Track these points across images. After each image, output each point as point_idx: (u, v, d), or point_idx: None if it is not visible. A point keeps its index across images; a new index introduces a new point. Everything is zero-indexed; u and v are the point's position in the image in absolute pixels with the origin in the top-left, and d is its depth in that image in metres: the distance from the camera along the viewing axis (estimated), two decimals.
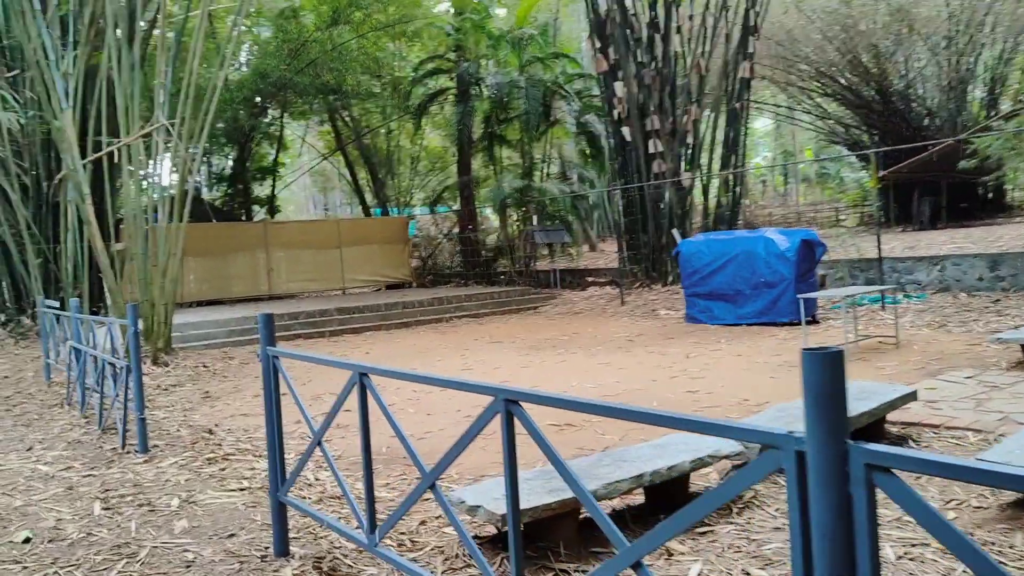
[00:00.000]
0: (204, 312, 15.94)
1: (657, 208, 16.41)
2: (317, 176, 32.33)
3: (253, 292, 19.30)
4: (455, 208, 22.60)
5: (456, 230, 22.08)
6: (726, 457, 4.07)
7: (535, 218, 17.73)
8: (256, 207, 25.33)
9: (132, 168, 10.71)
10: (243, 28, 18.10)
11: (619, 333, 12.20)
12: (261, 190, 26.17)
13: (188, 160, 11.05)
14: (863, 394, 5.00)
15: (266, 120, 23.12)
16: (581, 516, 3.58)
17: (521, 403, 2.04)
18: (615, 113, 16.68)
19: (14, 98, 11.15)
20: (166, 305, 10.76)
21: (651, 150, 16.31)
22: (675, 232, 16.18)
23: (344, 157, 23.64)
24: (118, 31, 10.45)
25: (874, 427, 4.88)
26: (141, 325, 10.21)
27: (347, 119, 23.22)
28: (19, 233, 14.75)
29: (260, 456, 5.47)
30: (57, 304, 10.16)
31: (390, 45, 21.48)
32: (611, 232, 26.32)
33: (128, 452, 5.64)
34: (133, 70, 10.57)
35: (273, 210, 25.51)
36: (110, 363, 6.14)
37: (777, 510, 3.88)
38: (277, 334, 12.52)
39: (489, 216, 22.29)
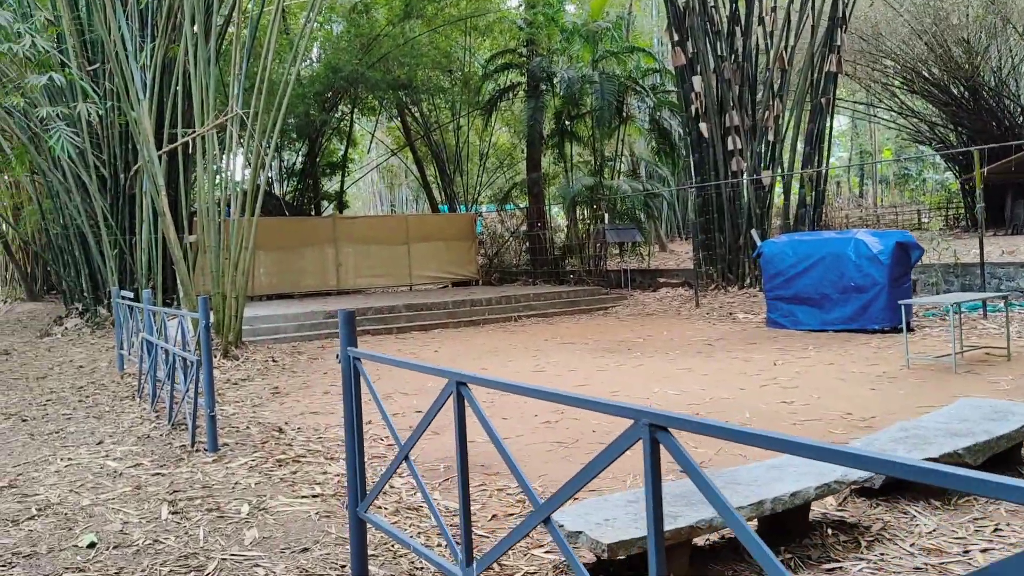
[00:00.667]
0: (273, 306, 15.96)
1: (735, 207, 15.78)
2: (384, 172, 32.42)
3: (321, 287, 19.32)
4: (523, 206, 22.25)
5: (523, 228, 21.75)
6: (852, 483, 3.61)
7: (606, 216, 17.26)
8: (324, 202, 25.48)
9: (206, 160, 10.67)
10: (315, 23, 18.13)
11: (696, 337, 11.68)
12: (330, 185, 26.33)
13: (261, 153, 10.96)
14: (997, 414, 4.46)
15: (336, 116, 23.19)
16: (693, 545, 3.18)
17: (671, 430, 1.66)
18: (692, 108, 16.11)
19: (93, 89, 11.23)
20: (237, 298, 10.69)
21: (729, 147, 15.70)
22: (754, 233, 15.53)
23: (412, 153, 23.53)
24: (195, 26, 10.42)
25: (1011, 453, 4.34)
26: (212, 318, 10.16)
27: (416, 115, 23.10)
28: (96, 224, 15.00)
29: (332, 459, 5.21)
30: (131, 295, 10.18)
31: (460, 40, 21.27)
32: (681, 232, 25.65)
33: (197, 450, 5.44)
34: (209, 64, 10.54)
35: (342, 205, 25.61)
36: (181, 357, 5.97)
37: (912, 545, 3.41)
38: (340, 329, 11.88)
39: (557, 214, 21.88)
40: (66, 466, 5.19)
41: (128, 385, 8.44)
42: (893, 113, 29.48)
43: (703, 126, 15.92)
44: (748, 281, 15.64)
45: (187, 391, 5.73)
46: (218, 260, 10.67)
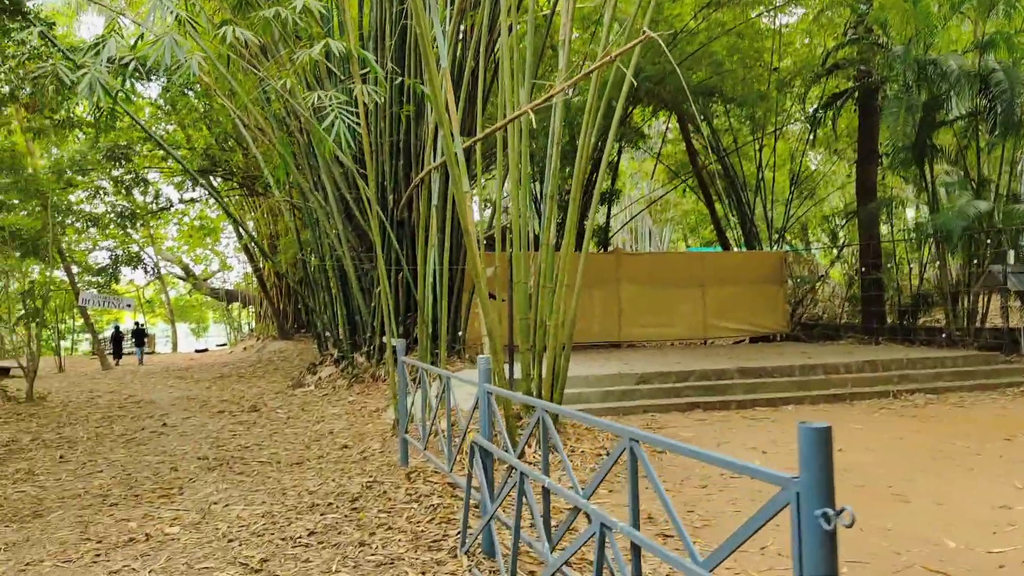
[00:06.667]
0: None
1: None
2: (654, 207, 28.80)
3: (602, 337, 15.90)
4: (844, 243, 17.63)
5: (833, 269, 17.10)
6: None
7: (1012, 254, 12.32)
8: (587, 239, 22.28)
9: (520, 163, 7.46)
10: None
11: None
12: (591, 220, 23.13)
13: (588, 151, 7.62)
14: None
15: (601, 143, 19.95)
16: None
17: None
18: None
19: (377, 63, 8.47)
20: (558, 357, 7.30)
21: None
22: None
23: (699, 180, 19.70)
24: None
25: None
26: (520, 382, 6.82)
27: (706, 134, 19.29)
28: (358, 256, 12.54)
29: None
30: (401, 343, 7.07)
31: (769, 42, 17.25)
32: None
33: None
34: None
35: (607, 243, 22.29)
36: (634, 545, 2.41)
37: None
38: (661, 400, 8.06)
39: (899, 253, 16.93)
40: None
41: (426, 507, 5.14)
42: None
43: None
44: None
45: None
46: (531, 302, 7.40)
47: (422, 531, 4.57)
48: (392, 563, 4.04)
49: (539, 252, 7.71)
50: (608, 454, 7.22)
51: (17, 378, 15.47)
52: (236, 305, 36.21)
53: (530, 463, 6.54)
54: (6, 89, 12.72)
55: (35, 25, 7.53)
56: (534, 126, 6.52)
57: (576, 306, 7.55)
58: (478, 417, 4.77)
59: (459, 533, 4.38)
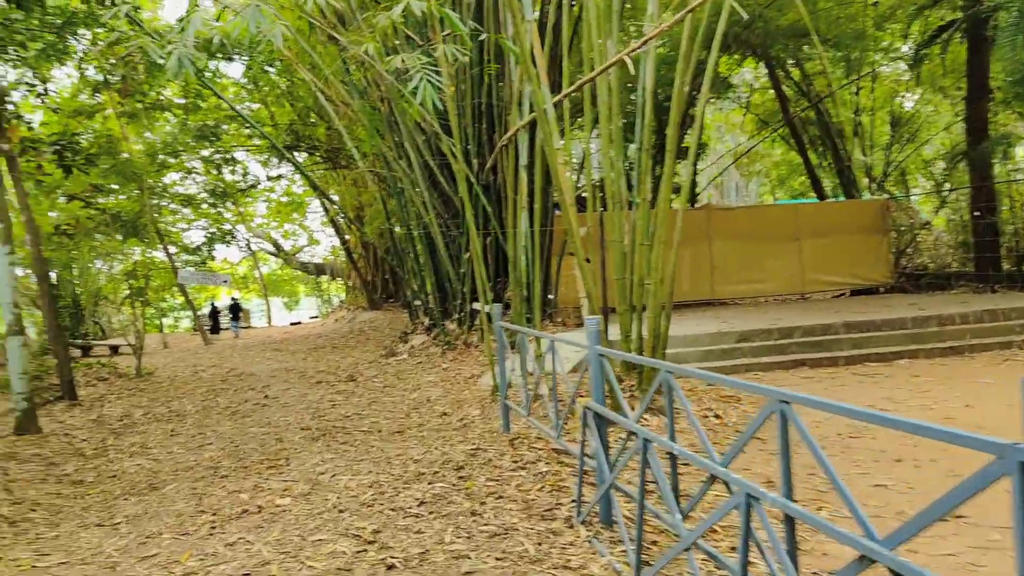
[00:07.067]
0: None
1: None
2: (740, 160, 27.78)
3: (694, 296, 15.45)
4: (951, 187, 16.55)
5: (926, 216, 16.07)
6: None
7: None
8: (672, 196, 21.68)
9: (611, 114, 7.18)
10: None
11: None
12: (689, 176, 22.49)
13: (682, 98, 7.28)
14: None
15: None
16: None
17: None
18: None
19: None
20: (658, 316, 7.03)
21: None
22: None
23: (791, 128, 18.81)
24: None
25: None
26: (615, 338, 6.58)
27: (796, 79, 18.35)
28: (445, 223, 12.47)
29: None
30: (497, 308, 6.92)
31: None
32: None
33: None
34: None
35: (693, 199, 21.63)
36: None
37: None
38: (764, 358, 7.64)
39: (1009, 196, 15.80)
40: None
41: (534, 475, 4.99)
42: None
43: None
44: None
45: None
46: (626, 261, 7.14)
47: (533, 499, 4.43)
48: (507, 533, 3.91)
49: (633, 210, 7.44)
50: (716, 416, 6.95)
51: (126, 355, 16.15)
52: (325, 278, 36.98)
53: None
54: (100, 77, 13.08)
55: (121, 5, 7.60)
56: (632, 72, 6.19)
57: (675, 264, 7.25)
58: (583, 381, 4.58)
59: (572, 502, 4.22)
